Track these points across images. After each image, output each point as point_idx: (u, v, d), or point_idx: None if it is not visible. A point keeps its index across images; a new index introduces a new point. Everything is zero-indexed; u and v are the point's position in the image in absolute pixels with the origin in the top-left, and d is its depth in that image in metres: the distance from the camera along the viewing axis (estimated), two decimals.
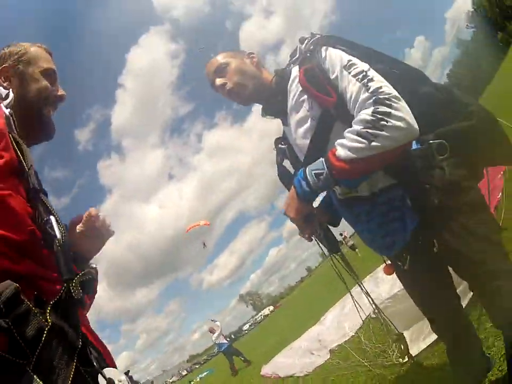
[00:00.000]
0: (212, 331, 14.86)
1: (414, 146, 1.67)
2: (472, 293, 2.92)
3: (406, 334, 3.60)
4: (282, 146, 2.01)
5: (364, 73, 1.54)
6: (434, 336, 3.25)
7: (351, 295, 2.44)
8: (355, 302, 2.48)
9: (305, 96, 1.74)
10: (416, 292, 2.08)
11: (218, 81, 1.89)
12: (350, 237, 22.57)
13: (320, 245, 2.03)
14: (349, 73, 1.57)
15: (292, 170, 2.02)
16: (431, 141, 1.64)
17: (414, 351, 3.37)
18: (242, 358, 13.59)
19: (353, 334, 5.50)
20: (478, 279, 1.73)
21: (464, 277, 1.84)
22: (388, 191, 1.71)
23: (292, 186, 1.65)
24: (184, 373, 38.30)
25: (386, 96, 1.46)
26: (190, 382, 24.18)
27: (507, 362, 2.02)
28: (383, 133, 1.42)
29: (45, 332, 0.78)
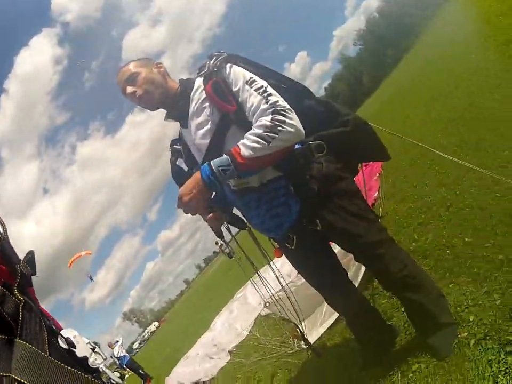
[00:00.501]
0: (110, 346, 14.16)
1: (297, 146, 2.04)
2: (362, 275, 3.40)
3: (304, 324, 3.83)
4: (178, 147, 2.27)
5: (264, 88, 1.88)
6: (330, 321, 3.54)
7: (259, 274, 2.76)
8: (263, 279, 2.78)
9: (207, 104, 2.00)
10: (306, 270, 2.41)
11: (129, 89, 2.06)
12: (226, 245, 22.76)
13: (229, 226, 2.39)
14: (251, 87, 1.89)
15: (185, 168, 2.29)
16: (310, 142, 2.04)
17: (313, 337, 3.53)
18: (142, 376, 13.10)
19: (248, 333, 5.69)
20: (360, 250, 2.11)
21: (349, 249, 2.21)
22: (274, 182, 2.02)
23: (195, 177, 1.86)
24: None
25: (282, 108, 1.82)
26: None
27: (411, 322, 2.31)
28: (279, 136, 1.78)
29: (21, 308, 0.92)
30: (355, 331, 2.57)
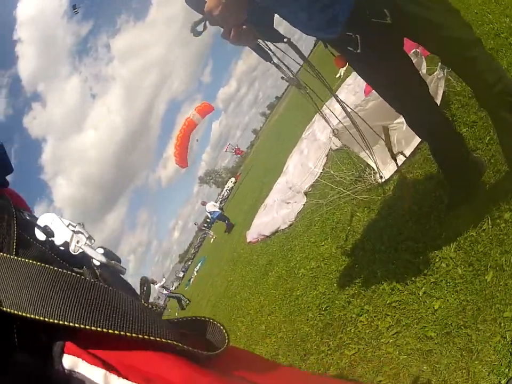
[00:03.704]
0: (204, 204, 15.83)
1: None
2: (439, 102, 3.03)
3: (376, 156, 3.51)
4: None
5: None
6: (407, 151, 3.21)
7: (320, 111, 2.65)
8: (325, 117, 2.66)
9: None
10: (378, 79, 1.99)
11: None
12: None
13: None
14: None
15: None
16: None
17: (390, 169, 3.31)
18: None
19: (321, 171, 5.48)
20: (450, 48, 1.73)
21: (434, 49, 1.88)
22: None
23: None
24: (181, 274, 40.01)
25: None
26: (189, 280, 25.14)
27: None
28: None
29: None
30: (439, 159, 2.27)
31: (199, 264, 24.18)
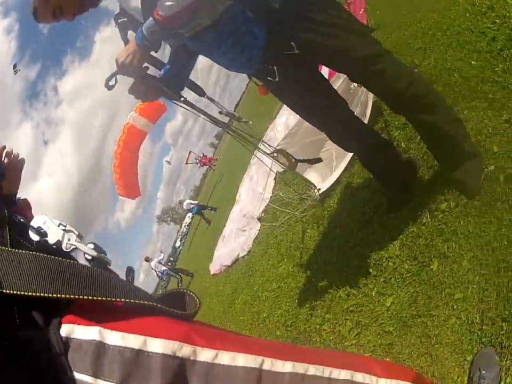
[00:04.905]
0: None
1: None
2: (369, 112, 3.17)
3: (313, 175, 3.70)
4: (122, 19, 1.94)
5: None
6: (343, 164, 3.36)
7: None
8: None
9: None
10: (297, 104, 2.13)
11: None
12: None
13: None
14: None
15: None
16: None
17: (329, 182, 3.44)
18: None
19: (271, 194, 5.64)
20: (355, 67, 1.83)
21: (341, 69, 2.01)
22: (227, 12, 1.73)
23: (132, 40, 1.70)
24: None
25: None
26: None
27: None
28: None
29: None
30: (373, 171, 2.38)
31: None
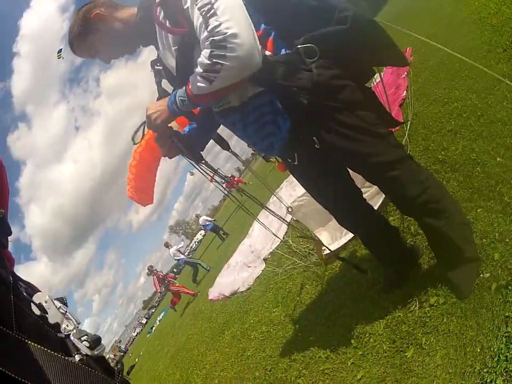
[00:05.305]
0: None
1: (283, 51, 1.76)
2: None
3: (324, 234, 3.81)
4: (158, 67, 2.03)
5: (209, 5, 1.52)
6: (348, 236, 3.46)
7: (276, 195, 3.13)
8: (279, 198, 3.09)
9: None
10: (310, 186, 2.26)
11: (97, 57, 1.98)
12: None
13: (188, 159, 2.19)
14: (196, 4, 1.56)
15: (170, 89, 2.07)
16: (298, 46, 1.71)
17: (334, 246, 3.51)
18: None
19: (281, 239, 5.64)
20: (370, 172, 1.91)
21: (356, 171, 2.01)
22: (256, 98, 1.80)
23: (165, 99, 1.81)
24: (144, 321, 38.93)
25: (222, 37, 1.48)
26: (151, 328, 24.65)
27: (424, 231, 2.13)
28: (221, 74, 1.54)
29: None
30: (373, 252, 2.46)
31: (162, 314, 23.66)
